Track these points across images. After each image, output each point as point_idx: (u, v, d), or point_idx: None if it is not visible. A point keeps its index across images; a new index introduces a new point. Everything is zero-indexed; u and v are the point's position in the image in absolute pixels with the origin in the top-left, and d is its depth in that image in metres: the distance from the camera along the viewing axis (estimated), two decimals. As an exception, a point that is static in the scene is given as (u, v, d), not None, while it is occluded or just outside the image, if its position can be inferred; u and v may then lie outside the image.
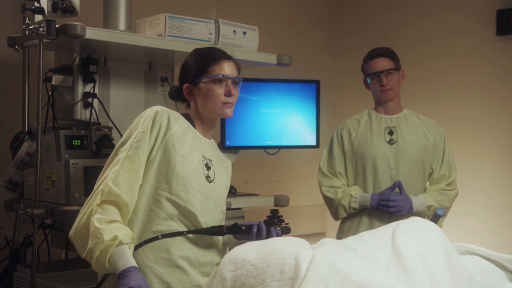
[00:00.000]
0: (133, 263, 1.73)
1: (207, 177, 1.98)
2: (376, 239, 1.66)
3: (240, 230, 2.00)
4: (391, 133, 2.80)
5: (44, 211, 2.30)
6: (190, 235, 1.92)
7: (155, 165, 1.89)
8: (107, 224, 1.75)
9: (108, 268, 1.74)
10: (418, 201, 2.71)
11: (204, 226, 1.94)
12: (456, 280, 1.58)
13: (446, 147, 2.84)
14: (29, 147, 2.61)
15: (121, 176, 1.82)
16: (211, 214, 1.98)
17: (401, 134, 2.79)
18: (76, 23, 2.27)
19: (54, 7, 2.38)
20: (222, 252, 2.04)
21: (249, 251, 1.57)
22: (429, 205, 2.72)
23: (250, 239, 2.01)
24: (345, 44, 4.48)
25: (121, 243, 1.72)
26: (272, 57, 2.99)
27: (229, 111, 2.01)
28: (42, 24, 2.29)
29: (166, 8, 2.75)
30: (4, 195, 2.61)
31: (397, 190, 2.70)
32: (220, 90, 1.98)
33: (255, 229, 1.99)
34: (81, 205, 2.26)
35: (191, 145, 1.95)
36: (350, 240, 1.70)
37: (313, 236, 2.38)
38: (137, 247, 1.85)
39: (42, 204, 2.34)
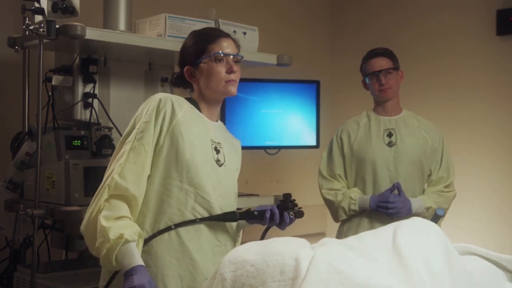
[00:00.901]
0: (138, 261, 1.72)
1: (217, 161, 1.96)
2: (376, 239, 1.66)
3: (253, 216, 1.98)
4: (390, 135, 2.80)
5: (44, 212, 2.30)
6: (204, 223, 1.90)
7: (163, 154, 1.87)
8: (114, 221, 1.74)
9: (115, 266, 1.74)
10: (417, 203, 2.71)
11: (220, 211, 1.92)
12: (456, 280, 1.57)
13: (444, 150, 2.85)
14: (29, 147, 2.61)
15: (127, 168, 1.80)
16: (225, 199, 1.96)
17: (400, 136, 2.79)
18: (76, 23, 2.28)
19: (54, 7, 2.38)
20: (234, 239, 2.02)
21: (249, 252, 1.57)
22: (428, 206, 2.73)
23: (264, 224, 2.00)
24: (345, 44, 4.48)
25: (127, 241, 1.71)
26: (272, 57, 2.99)
27: (233, 89, 1.98)
28: (42, 25, 2.29)
29: (166, 8, 2.75)
30: (4, 195, 2.60)
31: (396, 192, 2.70)
32: (221, 68, 1.95)
33: (268, 215, 1.97)
34: (81, 205, 2.28)
35: (198, 130, 1.93)
36: (350, 240, 1.69)
37: (313, 236, 2.37)
38: (151, 238, 1.84)
39: (42, 205, 2.34)
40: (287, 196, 2.04)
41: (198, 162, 1.89)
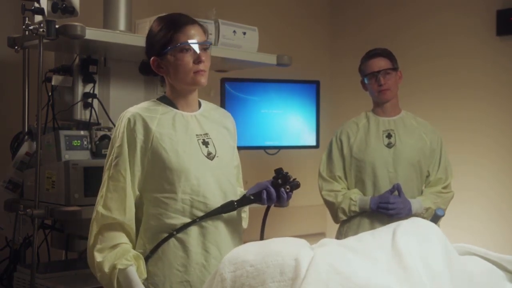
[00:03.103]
0: (136, 286, 1.74)
1: (208, 154, 1.91)
2: (376, 239, 1.66)
3: (250, 201, 1.95)
4: (389, 136, 2.79)
5: (44, 212, 2.30)
6: (205, 223, 1.87)
7: (151, 171, 1.85)
8: (109, 251, 1.78)
9: None
10: (416, 204, 2.71)
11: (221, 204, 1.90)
12: (456, 280, 1.57)
13: (443, 151, 2.84)
14: (29, 148, 2.62)
15: (109, 198, 1.81)
16: (224, 192, 1.93)
17: (399, 137, 2.79)
18: (76, 23, 2.28)
19: (54, 7, 2.38)
20: (238, 223, 1.99)
21: (249, 252, 1.57)
22: (427, 207, 2.73)
23: (263, 204, 1.97)
24: (345, 44, 4.48)
25: (121, 270, 1.75)
26: (272, 57, 2.99)
27: (202, 79, 1.88)
28: (42, 25, 2.29)
29: (166, 8, 2.74)
30: (4, 195, 2.61)
31: (396, 193, 2.70)
32: (189, 58, 1.85)
33: (264, 195, 1.93)
34: (81, 205, 2.29)
35: (179, 132, 1.88)
36: (350, 240, 1.69)
37: (313, 237, 2.37)
38: (156, 248, 1.84)
39: (42, 205, 2.35)
40: (279, 171, 1.99)
41: (188, 167, 1.85)
